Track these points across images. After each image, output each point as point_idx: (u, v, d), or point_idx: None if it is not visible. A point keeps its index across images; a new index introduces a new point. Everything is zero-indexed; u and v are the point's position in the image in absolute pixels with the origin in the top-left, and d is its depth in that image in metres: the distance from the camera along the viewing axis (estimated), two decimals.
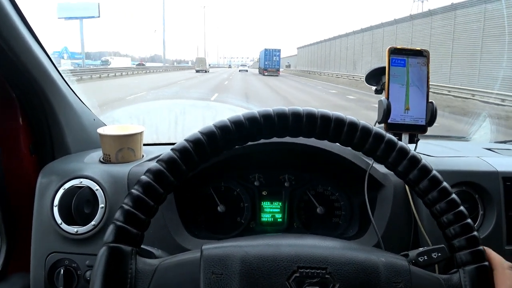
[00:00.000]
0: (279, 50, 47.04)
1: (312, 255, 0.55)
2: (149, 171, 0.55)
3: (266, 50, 46.66)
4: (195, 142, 0.56)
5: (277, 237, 0.62)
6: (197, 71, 46.51)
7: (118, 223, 0.52)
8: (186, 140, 0.57)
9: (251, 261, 0.53)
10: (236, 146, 0.59)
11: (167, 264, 0.55)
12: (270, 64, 46.26)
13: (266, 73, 44.73)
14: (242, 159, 1.10)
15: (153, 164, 0.55)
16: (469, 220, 0.58)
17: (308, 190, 1.16)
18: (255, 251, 0.54)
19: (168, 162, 0.55)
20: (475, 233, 0.57)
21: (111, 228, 0.52)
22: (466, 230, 0.57)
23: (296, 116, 0.58)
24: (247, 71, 60.56)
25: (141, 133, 1.12)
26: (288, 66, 79.59)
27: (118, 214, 0.53)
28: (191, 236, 0.98)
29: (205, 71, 46.73)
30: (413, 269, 0.57)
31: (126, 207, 0.53)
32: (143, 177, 0.55)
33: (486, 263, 0.57)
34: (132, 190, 0.54)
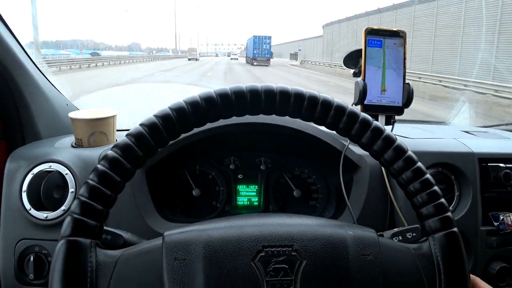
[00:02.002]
0: (269, 37, 43.80)
1: (276, 233, 0.54)
2: (104, 158, 0.52)
3: (255, 37, 43.48)
4: (150, 126, 0.53)
5: (241, 217, 0.60)
6: (189, 59, 48.12)
7: (75, 215, 0.50)
8: (141, 124, 0.54)
9: (215, 244, 0.52)
10: (210, 126, 0.57)
11: (128, 254, 0.53)
12: (259, 53, 42.71)
13: (255, 63, 41.04)
14: (217, 141, 1.08)
15: (109, 152, 0.53)
16: (435, 188, 0.57)
17: (285, 173, 1.15)
18: (218, 234, 0.53)
19: (123, 148, 0.53)
20: (443, 200, 0.57)
21: (67, 220, 0.50)
22: (433, 197, 0.57)
23: (269, 94, 0.56)
24: (237, 59, 60.80)
25: (113, 116, 1.10)
26: (294, 55, 59.37)
27: (74, 206, 0.51)
28: (164, 219, 0.96)
29: (196, 59, 48.38)
30: (382, 240, 0.57)
31: (82, 198, 0.51)
32: (99, 166, 0.52)
33: (455, 229, 0.56)
34: (88, 180, 0.52)
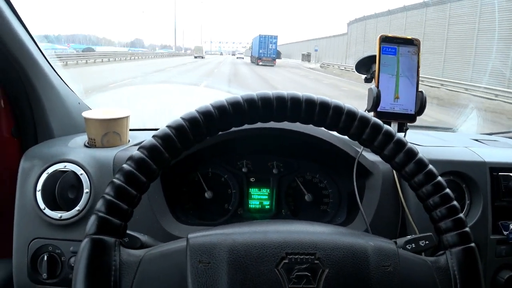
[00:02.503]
0: (275, 37, 42.48)
1: (300, 240, 0.54)
2: (131, 159, 0.53)
3: (260, 36, 42.15)
4: (177, 128, 0.54)
5: (265, 223, 0.61)
6: (195, 57, 49.87)
7: (100, 213, 0.50)
8: (168, 126, 0.55)
9: (239, 248, 0.52)
10: (210, 136, 0.57)
11: (152, 254, 0.54)
12: (265, 53, 41.35)
13: (260, 63, 39.82)
14: (230, 145, 1.09)
15: (135, 152, 0.53)
16: (455, 203, 0.58)
17: (297, 177, 1.15)
18: (243, 239, 0.53)
19: (150, 149, 0.53)
20: (461, 215, 0.58)
21: (92, 219, 0.50)
22: (452, 212, 0.57)
23: (281, 101, 0.57)
24: (243, 58, 60.94)
25: (127, 117, 1.10)
26: (307, 56, 52.83)
27: (99, 205, 0.51)
28: (178, 222, 0.97)
29: (202, 57, 50.51)
30: (401, 252, 0.57)
31: (108, 197, 0.51)
32: (125, 166, 0.53)
33: (473, 244, 0.57)
34: (114, 180, 0.52)
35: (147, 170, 0.53)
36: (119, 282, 0.50)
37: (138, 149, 0.54)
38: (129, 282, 0.51)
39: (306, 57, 53.15)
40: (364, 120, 0.58)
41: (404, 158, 0.58)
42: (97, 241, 0.50)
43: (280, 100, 0.57)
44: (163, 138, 0.54)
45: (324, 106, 0.57)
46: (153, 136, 0.54)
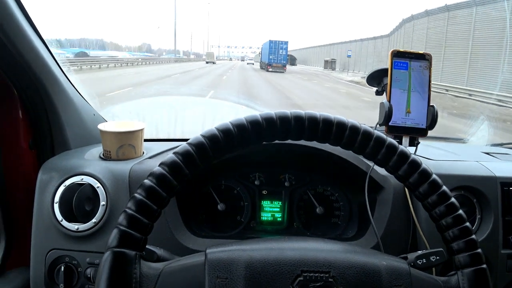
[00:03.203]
0: (286, 43, 41.36)
1: (315, 259, 0.55)
2: (152, 174, 0.55)
3: (270, 41, 41.00)
4: (197, 146, 0.56)
5: (281, 240, 0.62)
6: (207, 62, 51.08)
7: (122, 227, 0.52)
8: (188, 143, 0.56)
9: (256, 265, 0.54)
10: (229, 153, 0.59)
11: (171, 268, 0.55)
12: (275, 59, 40.26)
13: (270, 69, 38.92)
14: (242, 158, 1.10)
15: (156, 168, 0.55)
16: (467, 224, 0.59)
17: (308, 190, 1.16)
18: (259, 255, 0.55)
19: (171, 166, 0.55)
20: (474, 236, 0.58)
21: (114, 232, 0.52)
22: (464, 233, 0.58)
23: (299, 120, 0.58)
24: (253, 64, 61.33)
25: (142, 130, 1.12)
26: (331, 63, 44.61)
27: (121, 218, 0.53)
28: (192, 234, 0.98)
29: (213, 63, 51.73)
30: (413, 271, 0.58)
31: (129, 211, 0.53)
32: (146, 181, 0.55)
33: (484, 265, 0.58)
34: (135, 194, 0.54)
35: (168, 186, 0.55)
36: None
37: (159, 165, 0.55)
38: None
39: (330, 64, 45.47)
40: (380, 141, 0.59)
41: (418, 179, 0.59)
42: (118, 254, 0.51)
43: (298, 119, 0.58)
44: (184, 155, 0.55)
45: (340, 126, 0.59)
46: (174, 153, 0.56)
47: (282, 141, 0.61)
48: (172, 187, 0.55)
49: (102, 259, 0.51)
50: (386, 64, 1.08)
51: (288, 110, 0.60)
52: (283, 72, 37.58)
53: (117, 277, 0.51)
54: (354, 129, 0.59)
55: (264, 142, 0.60)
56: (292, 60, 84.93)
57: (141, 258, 0.54)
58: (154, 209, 0.54)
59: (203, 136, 0.57)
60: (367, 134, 0.59)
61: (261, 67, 45.55)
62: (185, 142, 0.57)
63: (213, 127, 0.58)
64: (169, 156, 0.56)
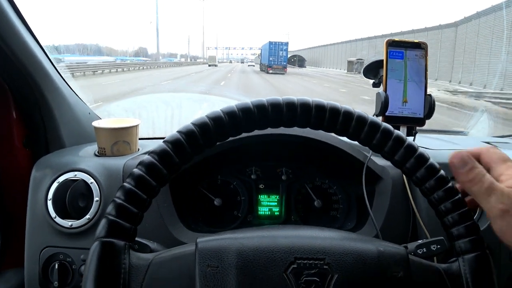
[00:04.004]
0: (286, 44, 41.02)
1: (309, 245, 0.54)
2: (141, 163, 0.54)
3: (270, 43, 40.53)
4: (187, 134, 0.55)
5: (273, 228, 0.60)
6: (209, 65, 52.22)
7: (111, 217, 0.51)
8: (178, 131, 0.55)
9: (247, 253, 0.52)
10: (230, 138, 0.58)
11: (161, 258, 0.54)
12: (275, 60, 39.72)
13: (270, 71, 38.28)
14: (238, 152, 1.09)
15: (146, 157, 0.54)
16: (467, 208, 0.57)
17: (306, 183, 1.15)
18: (251, 243, 0.53)
19: (160, 154, 0.54)
20: (474, 220, 0.56)
21: (103, 222, 0.51)
22: (464, 218, 0.56)
23: (291, 106, 0.57)
24: (254, 65, 61.60)
25: (136, 126, 1.11)
26: (357, 65, 36.16)
27: (110, 208, 0.51)
28: (187, 229, 0.97)
29: (215, 65, 53.25)
30: (412, 258, 0.56)
31: (118, 200, 0.52)
32: (136, 170, 0.53)
33: (486, 250, 0.56)
34: (125, 184, 0.53)
35: (158, 175, 0.53)
36: (128, 284, 0.50)
37: (148, 154, 0.54)
38: (138, 284, 0.51)
39: (356, 66, 36.72)
40: (375, 126, 0.58)
41: (415, 164, 0.57)
42: (107, 244, 0.50)
43: (290, 106, 0.57)
44: (173, 143, 0.54)
45: (334, 112, 0.57)
46: (164, 141, 0.55)
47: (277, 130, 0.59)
48: (162, 175, 0.54)
49: (90, 250, 0.50)
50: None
51: (279, 97, 0.58)
52: (283, 73, 37.04)
53: (105, 267, 0.49)
54: (348, 115, 0.58)
55: (256, 130, 0.58)
56: (300, 61, 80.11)
57: (130, 248, 0.52)
58: (143, 198, 0.53)
59: (193, 124, 0.55)
60: (361, 119, 0.58)
61: (261, 69, 45.15)
62: (176, 131, 0.56)
63: (204, 115, 0.56)
64: (159, 144, 0.55)
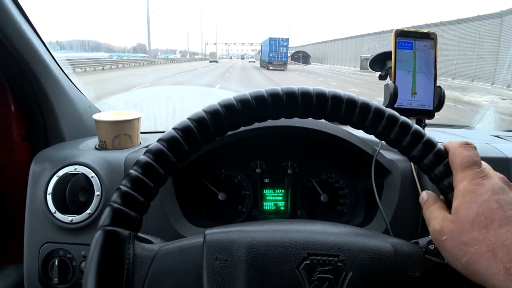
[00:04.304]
0: (287, 40, 40.77)
1: (323, 241, 0.51)
2: (149, 151, 0.51)
3: (271, 39, 40.26)
4: (198, 121, 0.52)
5: (285, 222, 0.58)
6: (210, 62, 53.28)
7: (115, 205, 0.48)
8: (189, 118, 0.53)
9: (258, 247, 0.49)
10: (242, 127, 0.55)
11: (167, 249, 0.51)
12: (276, 56, 39.51)
13: (271, 67, 38.02)
14: (243, 145, 1.06)
15: (154, 144, 0.51)
16: None
17: (312, 178, 1.12)
18: (263, 237, 0.51)
19: (169, 141, 0.51)
20: None
21: (107, 210, 0.48)
22: None
23: (306, 96, 0.54)
24: (254, 61, 61.65)
25: (138, 119, 1.08)
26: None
27: (115, 196, 0.49)
28: (191, 224, 0.94)
29: (216, 61, 54.57)
30: (429, 258, 0.54)
31: (124, 188, 0.49)
32: (143, 157, 0.51)
33: None
34: (131, 171, 0.50)
35: (166, 162, 0.51)
36: (132, 275, 0.48)
37: (157, 141, 0.52)
38: (143, 276, 0.48)
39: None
40: (393, 119, 0.55)
41: (433, 160, 0.54)
42: (111, 233, 0.47)
43: (306, 96, 0.54)
44: (184, 130, 0.52)
45: (336, 100, 0.55)
46: (173, 128, 0.52)
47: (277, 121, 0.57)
48: (171, 163, 0.51)
49: (93, 239, 0.47)
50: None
51: (294, 86, 0.56)
52: (284, 70, 36.66)
53: (109, 256, 0.46)
54: (352, 102, 0.55)
55: (268, 119, 0.56)
56: (305, 58, 74.46)
57: (135, 238, 0.50)
58: (150, 187, 0.50)
59: (204, 111, 0.53)
60: (365, 106, 0.55)
61: (261, 65, 44.94)
62: (186, 117, 0.53)
63: (216, 102, 0.54)
64: (168, 131, 0.52)
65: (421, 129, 0.56)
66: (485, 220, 0.46)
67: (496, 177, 0.51)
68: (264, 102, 0.54)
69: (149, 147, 0.52)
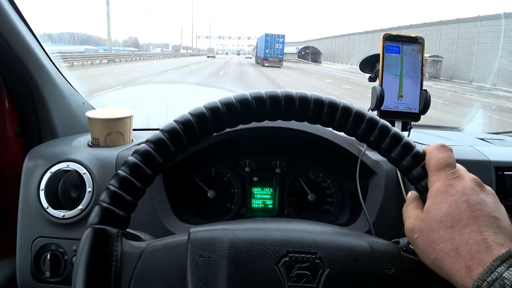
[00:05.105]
0: (283, 36, 40.63)
1: (302, 239, 0.54)
2: (136, 151, 0.53)
3: (267, 35, 40.38)
4: (184, 123, 0.54)
5: (267, 221, 0.60)
6: (208, 57, 55.55)
7: (104, 204, 0.51)
8: (175, 121, 0.55)
9: (240, 244, 0.52)
10: (227, 129, 0.57)
11: (153, 246, 0.54)
12: (271, 53, 39.61)
13: (266, 64, 37.99)
14: (233, 144, 1.09)
15: (141, 145, 0.54)
16: None
17: (300, 177, 1.15)
18: (244, 235, 0.53)
19: (156, 143, 0.53)
20: None
21: (96, 209, 0.51)
22: None
23: (289, 100, 0.56)
24: (251, 57, 61.75)
25: (130, 116, 1.10)
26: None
27: (104, 195, 0.51)
28: (180, 221, 0.97)
29: (213, 57, 57.04)
30: (404, 254, 0.56)
31: (112, 188, 0.51)
32: (131, 158, 0.53)
33: None
34: (119, 171, 0.52)
35: (153, 163, 0.53)
36: (120, 272, 0.50)
37: (144, 142, 0.54)
38: (130, 273, 0.51)
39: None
40: (372, 123, 0.57)
41: (411, 162, 0.57)
42: (99, 231, 0.50)
43: (288, 99, 0.56)
44: (170, 132, 0.54)
45: (318, 103, 0.57)
46: (161, 130, 0.54)
47: (272, 123, 0.59)
48: (158, 164, 0.53)
49: (82, 236, 0.50)
50: None
51: (278, 90, 0.58)
52: (279, 67, 36.45)
53: (97, 254, 0.49)
54: (346, 110, 0.57)
55: (252, 122, 0.58)
56: (314, 55, 62.55)
57: (123, 236, 0.52)
58: (138, 187, 0.52)
59: (190, 114, 0.55)
60: (359, 116, 0.57)
61: (257, 62, 44.64)
62: (172, 120, 0.55)
63: (202, 105, 0.56)
64: (155, 133, 0.54)
65: (400, 132, 0.58)
66: (452, 220, 0.49)
67: (468, 179, 0.53)
68: (248, 105, 0.56)
69: (137, 148, 0.54)
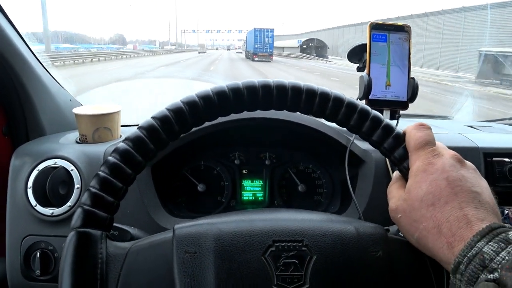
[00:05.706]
0: (272, 30, 40.56)
1: (287, 228, 0.53)
2: (116, 151, 0.52)
3: (256, 30, 40.16)
4: (162, 120, 0.54)
5: (252, 212, 0.60)
6: (199, 53, 57.81)
7: (86, 207, 0.50)
8: (153, 117, 0.54)
9: (225, 237, 0.51)
10: (206, 123, 0.57)
11: (139, 246, 0.53)
12: (261, 47, 39.45)
13: (256, 58, 38.26)
14: (221, 137, 1.08)
15: (120, 144, 0.53)
16: None
17: (290, 168, 1.14)
18: (229, 228, 0.53)
19: (135, 141, 0.53)
20: None
21: (78, 212, 0.50)
22: None
23: (282, 89, 0.56)
24: (242, 52, 62.04)
25: (118, 112, 1.09)
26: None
27: (85, 197, 0.51)
28: (170, 215, 0.96)
29: (204, 52, 59.60)
30: (391, 236, 0.57)
31: (93, 190, 0.51)
32: (110, 158, 0.52)
33: None
34: (99, 172, 0.52)
35: (133, 162, 0.52)
36: (106, 274, 0.50)
37: (123, 141, 0.53)
38: (116, 274, 0.50)
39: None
40: (351, 107, 0.57)
41: (393, 143, 0.57)
42: (82, 234, 0.49)
43: (267, 87, 0.56)
44: (148, 129, 0.53)
45: (311, 93, 0.57)
46: (138, 128, 0.54)
47: (254, 113, 0.58)
48: (137, 163, 0.53)
49: (66, 240, 0.49)
50: None
51: (269, 79, 0.58)
52: (269, 61, 36.54)
53: (82, 257, 0.48)
54: (325, 96, 0.57)
55: (238, 112, 0.58)
56: (320, 49, 54.77)
57: (107, 237, 0.52)
58: (119, 187, 0.52)
59: (168, 109, 0.54)
60: (338, 101, 0.57)
61: (247, 57, 44.79)
62: (150, 116, 0.55)
63: (179, 100, 0.55)
64: (134, 131, 0.54)
65: (380, 114, 0.58)
66: (433, 198, 0.49)
67: (447, 155, 0.53)
68: (240, 94, 0.55)
69: (116, 146, 0.53)
